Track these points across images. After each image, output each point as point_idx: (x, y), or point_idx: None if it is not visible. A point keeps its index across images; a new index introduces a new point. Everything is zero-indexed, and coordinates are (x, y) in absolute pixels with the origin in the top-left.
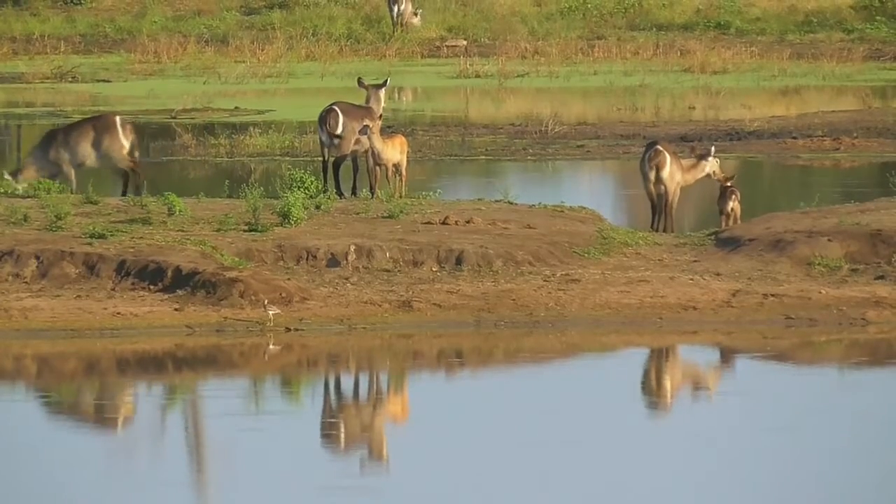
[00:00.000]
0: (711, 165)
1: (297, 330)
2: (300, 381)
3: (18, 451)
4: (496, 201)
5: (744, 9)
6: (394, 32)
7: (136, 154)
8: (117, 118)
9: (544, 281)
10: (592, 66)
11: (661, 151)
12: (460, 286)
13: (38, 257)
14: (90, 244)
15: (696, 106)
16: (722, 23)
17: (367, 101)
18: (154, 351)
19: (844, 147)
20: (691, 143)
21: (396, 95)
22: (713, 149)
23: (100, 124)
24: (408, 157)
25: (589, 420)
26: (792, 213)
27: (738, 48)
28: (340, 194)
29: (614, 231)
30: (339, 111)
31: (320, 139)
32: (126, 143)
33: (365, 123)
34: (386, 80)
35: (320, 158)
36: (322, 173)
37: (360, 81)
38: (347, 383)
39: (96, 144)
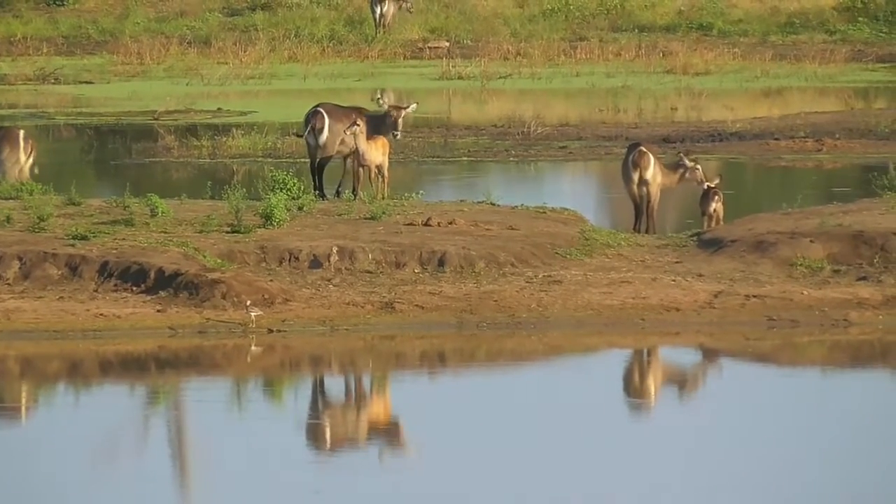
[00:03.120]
0: (692, 173)
1: (279, 331)
2: (283, 383)
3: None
4: (478, 203)
5: (726, 10)
6: (376, 34)
7: (35, 170)
8: (21, 132)
9: (526, 282)
10: (575, 67)
11: (645, 153)
12: (442, 287)
13: (20, 259)
14: (73, 245)
15: (679, 107)
16: (704, 24)
17: (385, 118)
18: (137, 352)
19: (827, 148)
20: (674, 144)
21: (379, 96)
22: (684, 157)
23: (1, 136)
24: (389, 159)
25: (569, 422)
26: (774, 214)
27: (720, 49)
28: (323, 196)
29: (596, 232)
30: (323, 113)
31: (306, 141)
32: (23, 159)
33: (354, 121)
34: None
35: (305, 160)
36: (311, 174)
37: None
38: (329, 385)
39: None
